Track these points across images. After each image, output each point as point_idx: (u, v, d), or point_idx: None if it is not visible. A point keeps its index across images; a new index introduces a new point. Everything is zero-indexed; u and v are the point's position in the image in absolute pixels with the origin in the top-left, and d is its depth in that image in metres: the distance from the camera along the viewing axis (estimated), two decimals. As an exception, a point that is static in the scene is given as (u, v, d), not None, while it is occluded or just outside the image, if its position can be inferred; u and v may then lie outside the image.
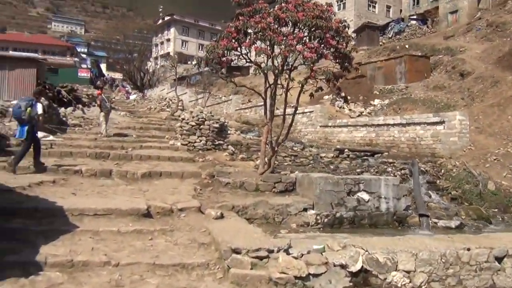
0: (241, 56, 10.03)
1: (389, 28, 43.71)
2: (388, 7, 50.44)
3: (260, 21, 9.16)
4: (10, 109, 13.89)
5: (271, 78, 10.47)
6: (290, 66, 9.92)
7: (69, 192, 7.84)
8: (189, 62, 69.88)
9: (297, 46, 8.86)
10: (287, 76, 10.06)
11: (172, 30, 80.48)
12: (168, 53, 49.21)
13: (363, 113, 27.54)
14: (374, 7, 50.97)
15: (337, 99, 28.58)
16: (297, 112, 28.28)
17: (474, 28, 32.10)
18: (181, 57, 62.93)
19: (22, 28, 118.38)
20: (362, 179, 9.68)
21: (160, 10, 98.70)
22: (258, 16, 9.33)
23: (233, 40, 9.42)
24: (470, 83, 23.44)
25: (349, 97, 29.29)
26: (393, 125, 18.95)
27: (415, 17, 44.68)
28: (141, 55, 61.01)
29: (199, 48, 75.27)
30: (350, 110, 28.12)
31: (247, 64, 10.67)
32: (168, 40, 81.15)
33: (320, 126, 23.81)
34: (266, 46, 9.11)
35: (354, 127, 21.56)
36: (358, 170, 14.48)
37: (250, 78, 46.50)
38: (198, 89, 38.79)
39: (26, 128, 9.37)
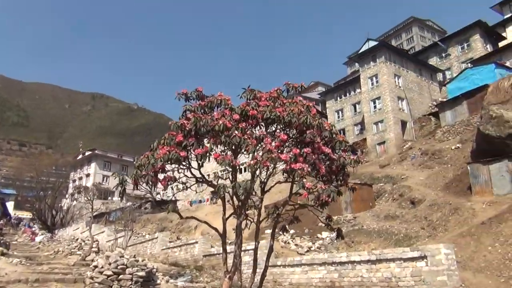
0: (187, 171, 6.71)
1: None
2: (315, 139, 51.10)
3: (220, 117, 6.12)
4: None
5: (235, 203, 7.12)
6: (263, 185, 6.72)
7: None
8: (109, 198, 64.63)
9: (280, 154, 5.81)
10: (254, 200, 6.83)
11: (93, 165, 76.04)
12: (86, 187, 44.42)
13: (311, 248, 24.45)
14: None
15: (281, 233, 25.37)
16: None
17: (409, 156, 32.04)
18: (100, 193, 57.78)
19: None
20: None
21: (81, 145, 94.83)
22: (217, 112, 6.32)
23: (179, 147, 6.17)
24: (426, 211, 21.61)
25: (292, 231, 26.27)
26: (360, 262, 15.73)
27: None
28: (54, 192, 55.16)
29: (121, 183, 70.78)
30: (296, 245, 24.90)
31: (174, 196, 7.32)
32: (88, 175, 76.00)
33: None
34: (229, 155, 5.95)
35: (310, 266, 18.02)
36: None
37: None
38: (119, 226, 33.79)
39: None
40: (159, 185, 6.54)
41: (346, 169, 7.07)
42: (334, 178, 7.06)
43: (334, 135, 6.69)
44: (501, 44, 44.67)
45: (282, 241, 24.42)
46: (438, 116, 37.78)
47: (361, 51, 46.50)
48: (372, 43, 45.20)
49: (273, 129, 6.64)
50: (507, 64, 34.27)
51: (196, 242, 26.92)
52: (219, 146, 6.24)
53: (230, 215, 7.70)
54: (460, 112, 32.88)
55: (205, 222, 8.22)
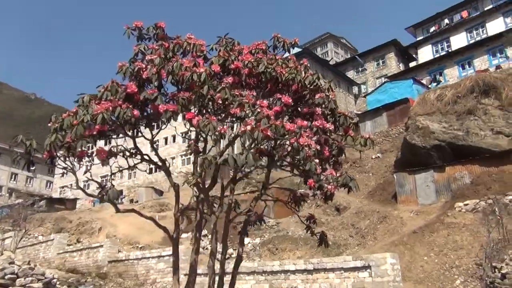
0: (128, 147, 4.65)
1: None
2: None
3: (192, 67, 4.19)
4: None
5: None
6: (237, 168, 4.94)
7: None
8: (-5, 194, 57.21)
9: (284, 123, 4.07)
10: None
11: (-23, 156, 66.94)
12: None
13: (232, 255, 22.78)
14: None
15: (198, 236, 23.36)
16: (150, 256, 21.84)
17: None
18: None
19: None
20: None
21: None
22: (188, 59, 4.39)
23: (129, 103, 4.12)
24: (352, 219, 21.04)
25: (210, 236, 24.40)
26: (295, 271, 14.41)
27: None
28: None
29: (11, 178, 62.99)
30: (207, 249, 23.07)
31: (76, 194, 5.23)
32: (-30, 167, 66.66)
33: (185, 275, 17.80)
34: (214, 118, 4.06)
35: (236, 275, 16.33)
36: None
37: (78, 213, 38.15)
38: (6, 226, 29.18)
39: None
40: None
41: (343, 155, 5.55)
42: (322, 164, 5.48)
43: (336, 108, 5.12)
44: (411, 64, 47.35)
45: (201, 247, 22.44)
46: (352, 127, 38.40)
47: (284, 56, 46.12)
48: (296, 50, 45.07)
49: (257, 91, 4.85)
50: (424, 81, 35.91)
51: (101, 246, 23.79)
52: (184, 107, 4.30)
53: (185, 208, 5.75)
54: (380, 123, 33.54)
55: (151, 219, 6.10)
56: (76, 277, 22.52)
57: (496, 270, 11.14)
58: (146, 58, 4.49)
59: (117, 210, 5.40)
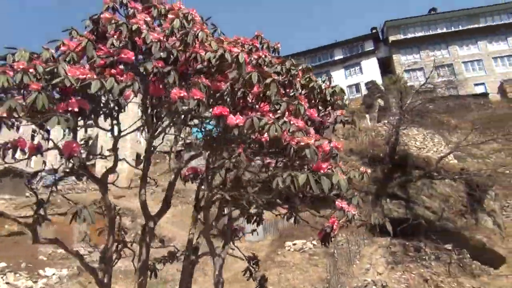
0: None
1: (39, 178, 36.47)
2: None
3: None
4: None
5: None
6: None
7: None
8: None
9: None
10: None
11: None
12: None
13: (31, 289, 18.79)
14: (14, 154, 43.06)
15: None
16: None
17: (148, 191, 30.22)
18: None
19: None
20: None
21: None
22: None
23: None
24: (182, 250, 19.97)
25: (3, 264, 19.95)
26: (127, 312, 12.55)
27: (67, 170, 39.72)
28: None
29: None
30: (8, 284, 18.66)
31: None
32: None
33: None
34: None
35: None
36: None
37: None
38: None
39: None
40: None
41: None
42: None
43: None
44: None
45: (-11, 279, 18.02)
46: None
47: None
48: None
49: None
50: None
51: None
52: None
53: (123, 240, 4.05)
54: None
55: (79, 258, 4.12)
56: None
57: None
58: (139, 16, 2.90)
59: (36, 241, 3.38)
